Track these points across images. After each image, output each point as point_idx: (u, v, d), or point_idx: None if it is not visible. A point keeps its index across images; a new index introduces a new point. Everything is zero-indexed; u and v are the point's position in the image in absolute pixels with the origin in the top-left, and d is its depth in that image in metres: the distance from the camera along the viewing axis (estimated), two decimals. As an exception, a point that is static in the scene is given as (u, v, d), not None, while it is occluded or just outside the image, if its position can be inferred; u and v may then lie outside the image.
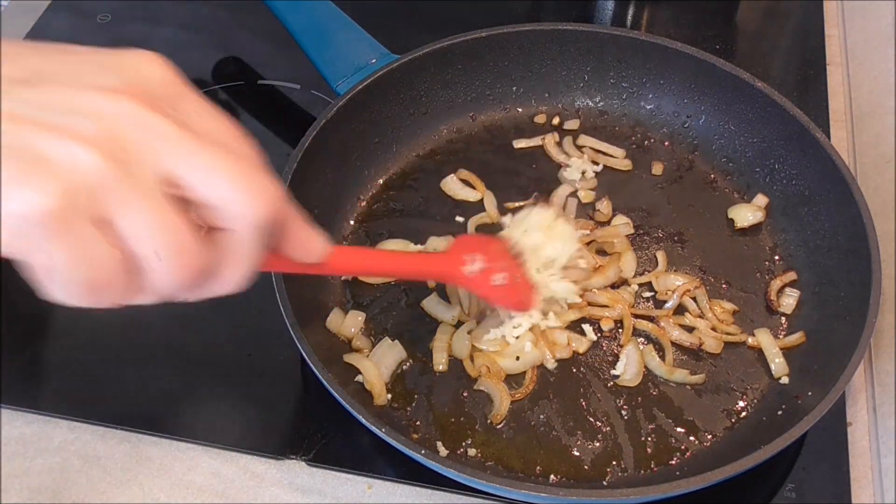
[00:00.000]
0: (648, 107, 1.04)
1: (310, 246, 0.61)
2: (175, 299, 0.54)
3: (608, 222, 0.96)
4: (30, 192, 0.46)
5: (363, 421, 0.72)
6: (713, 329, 0.87)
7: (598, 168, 1.01)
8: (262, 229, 0.52)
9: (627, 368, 0.85)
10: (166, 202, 0.49)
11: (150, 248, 0.49)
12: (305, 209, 0.87)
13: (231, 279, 0.54)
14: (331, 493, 0.80)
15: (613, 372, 0.85)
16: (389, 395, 0.84)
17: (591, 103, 1.06)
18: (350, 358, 0.85)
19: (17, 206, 0.46)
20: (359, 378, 0.84)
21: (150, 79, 0.51)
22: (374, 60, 0.99)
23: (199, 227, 0.51)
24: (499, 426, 0.82)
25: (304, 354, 0.76)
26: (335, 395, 0.74)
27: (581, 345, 0.86)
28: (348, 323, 0.88)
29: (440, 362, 0.86)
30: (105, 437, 0.83)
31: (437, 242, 0.94)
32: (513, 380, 0.85)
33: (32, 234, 0.46)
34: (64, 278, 0.48)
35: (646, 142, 1.03)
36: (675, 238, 0.95)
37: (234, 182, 0.50)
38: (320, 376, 0.74)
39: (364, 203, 0.98)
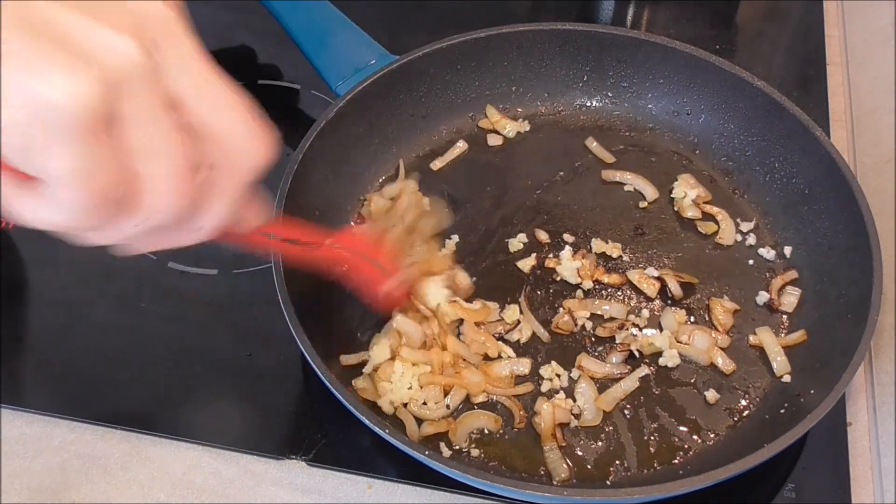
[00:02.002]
0: (648, 106, 1.04)
1: (254, 211, 0.59)
2: (146, 241, 0.52)
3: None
4: (67, 77, 0.41)
5: (367, 423, 0.72)
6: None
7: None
8: (254, 173, 0.52)
9: (586, 407, 0.83)
10: (173, 121, 0.47)
11: (154, 164, 0.47)
12: (307, 210, 0.89)
13: (209, 221, 0.52)
14: (331, 493, 0.79)
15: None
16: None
17: (590, 103, 1.06)
18: (348, 359, 0.85)
19: (49, 92, 0.41)
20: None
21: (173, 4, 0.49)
22: (373, 61, 0.99)
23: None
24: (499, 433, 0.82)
25: (308, 357, 0.76)
26: (339, 397, 0.74)
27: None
28: None
29: None
30: (105, 437, 0.82)
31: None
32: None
33: (51, 131, 0.42)
34: (65, 191, 0.44)
35: (645, 141, 1.03)
36: (676, 237, 0.95)
37: (244, 121, 0.50)
38: (324, 379, 0.74)
39: (365, 203, 0.98)
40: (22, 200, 0.46)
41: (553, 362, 0.85)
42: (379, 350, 0.83)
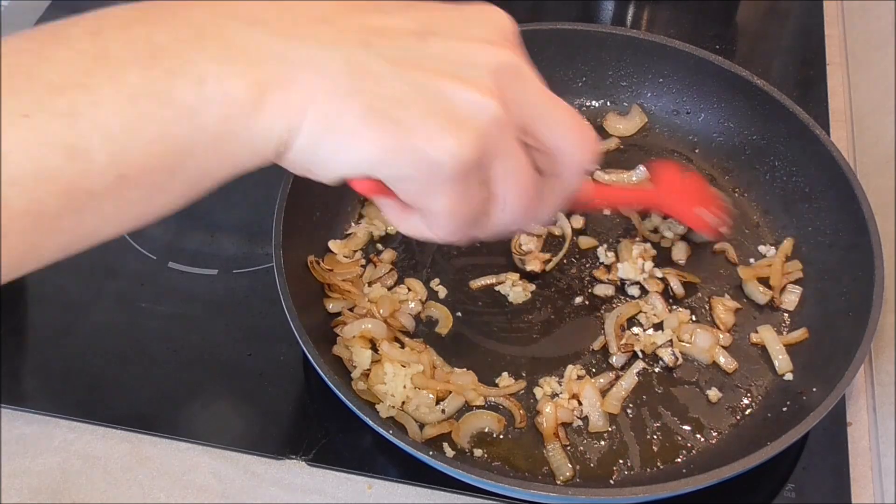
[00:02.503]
0: (647, 105, 1.04)
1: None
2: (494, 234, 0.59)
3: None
4: (452, 142, 0.49)
5: (371, 424, 0.72)
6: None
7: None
8: (586, 169, 0.59)
9: (591, 412, 0.82)
10: (524, 146, 0.54)
11: (511, 190, 0.54)
12: (308, 210, 0.89)
13: (545, 215, 0.60)
14: (331, 493, 0.79)
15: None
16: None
17: (590, 102, 1.06)
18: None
19: (439, 155, 0.49)
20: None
21: (510, 27, 0.55)
22: (373, 61, 0.99)
23: None
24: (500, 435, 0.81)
25: (310, 357, 0.75)
26: (343, 399, 0.73)
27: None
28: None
29: None
30: (105, 437, 0.82)
31: None
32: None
33: (444, 177, 0.50)
34: (440, 219, 0.54)
35: (645, 140, 1.03)
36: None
37: (575, 134, 0.56)
38: (327, 380, 0.74)
39: (366, 202, 0.97)
40: (405, 222, 0.57)
41: (548, 377, 0.85)
42: (359, 354, 0.83)
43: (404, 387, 0.82)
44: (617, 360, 0.85)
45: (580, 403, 0.82)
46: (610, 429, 0.81)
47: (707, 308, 0.89)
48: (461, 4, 0.55)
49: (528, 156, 0.54)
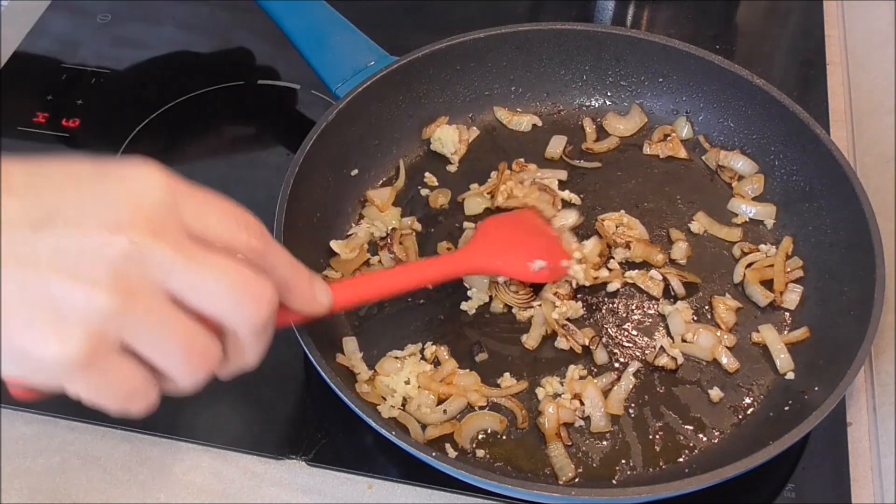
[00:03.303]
0: (647, 104, 1.04)
1: (315, 299, 0.65)
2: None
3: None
4: (56, 342, 0.49)
5: (373, 425, 0.72)
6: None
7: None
8: (261, 329, 0.57)
9: (593, 413, 0.82)
10: (175, 314, 0.53)
11: (170, 358, 0.54)
12: (309, 213, 0.88)
13: (246, 363, 0.60)
14: (331, 493, 0.79)
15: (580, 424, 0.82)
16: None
17: (590, 102, 1.06)
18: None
19: (46, 355, 0.49)
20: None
21: (149, 199, 0.53)
22: (372, 62, 0.99)
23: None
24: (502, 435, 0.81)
25: (311, 358, 0.75)
26: (345, 400, 0.73)
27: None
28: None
29: None
30: (105, 437, 0.82)
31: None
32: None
33: (65, 375, 0.51)
34: (100, 398, 0.53)
35: (644, 139, 1.03)
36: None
37: (230, 296, 0.54)
38: (329, 381, 0.74)
39: (367, 204, 0.97)
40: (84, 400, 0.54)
41: (550, 377, 0.85)
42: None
43: (406, 382, 0.81)
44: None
45: (582, 403, 0.82)
46: (612, 429, 0.81)
47: (708, 307, 0.89)
48: (108, 168, 0.53)
49: (184, 321, 0.53)
